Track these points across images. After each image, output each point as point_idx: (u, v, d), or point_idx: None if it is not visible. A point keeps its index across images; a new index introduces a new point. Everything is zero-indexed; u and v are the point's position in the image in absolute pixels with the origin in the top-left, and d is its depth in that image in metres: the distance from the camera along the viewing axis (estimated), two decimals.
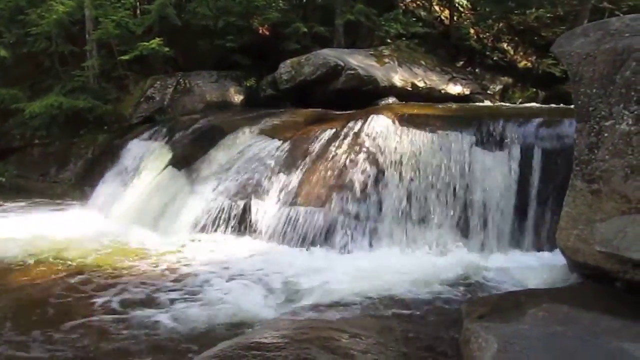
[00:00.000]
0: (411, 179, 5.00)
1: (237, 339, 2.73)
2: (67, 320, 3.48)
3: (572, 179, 3.48)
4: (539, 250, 4.39)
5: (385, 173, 5.10)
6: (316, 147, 5.65)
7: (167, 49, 8.02)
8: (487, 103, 8.52)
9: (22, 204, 7.16)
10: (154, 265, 4.63)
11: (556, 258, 3.84)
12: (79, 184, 7.73)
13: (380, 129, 5.42)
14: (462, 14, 10.63)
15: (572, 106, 3.62)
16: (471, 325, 2.67)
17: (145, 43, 7.96)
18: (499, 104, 8.71)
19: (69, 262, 4.68)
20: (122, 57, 8.27)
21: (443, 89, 8.49)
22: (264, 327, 2.98)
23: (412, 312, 3.36)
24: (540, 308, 2.73)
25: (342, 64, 7.48)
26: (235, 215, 5.43)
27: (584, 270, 3.42)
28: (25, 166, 8.39)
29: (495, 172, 4.77)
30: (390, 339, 2.86)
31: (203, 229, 5.47)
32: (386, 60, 8.13)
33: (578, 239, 3.37)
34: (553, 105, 7.29)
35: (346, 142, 5.48)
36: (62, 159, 8.18)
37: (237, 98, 8.42)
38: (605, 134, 3.29)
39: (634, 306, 2.85)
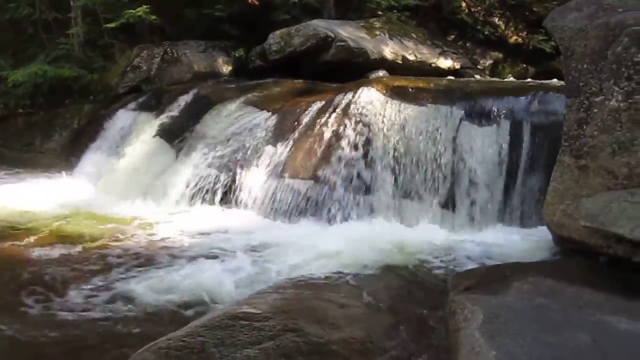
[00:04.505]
0: (400, 153, 4.99)
1: (225, 309, 2.74)
2: (44, 291, 3.48)
3: (560, 154, 3.49)
4: (525, 225, 4.42)
5: (374, 146, 5.08)
6: (305, 119, 5.61)
7: (153, 17, 7.84)
8: (477, 78, 8.48)
9: (6, 174, 7.07)
10: (139, 235, 4.61)
11: (542, 233, 3.88)
12: (65, 154, 7.63)
13: (370, 101, 5.38)
14: None
15: (562, 82, 3.61)
16: (457, 297, 2.70)
17: (131, 11, 7.78)
18: (489, 79, 8.68)
19: (52, 232, 4.65)
20: (108, 25, 8.08)
21: (433, 63, 8.42)
22: (251, 298, 2.99)
23: (398, 284, 3.38)
24: (525, 281, 2.76)
25: (332, 35, 7.38)
26: (223, 187, 5.41)
27: (568, 245, 3.46)
28: (9, 136, 8.24)
29: (483, 147, 4.77)
30: (376, 310, 2.89)
31: (190, 200, 5.45)
32: (377, 32, 8.03)
33: (564, 214, 3.39)
34: (543, 81, 7.28)
35: (335, 114, 5.44)
36: (47, 129, 8.04)
37: (226, 69, 8.30)
38: (595, 110, 3.29)
39: (616, 280, 2.90)
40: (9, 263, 3.98)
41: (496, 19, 10.44)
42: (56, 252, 4.20)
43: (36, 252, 4.17)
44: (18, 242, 4.40)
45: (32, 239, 4.49)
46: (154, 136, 6.41)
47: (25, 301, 3.35)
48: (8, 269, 3.87)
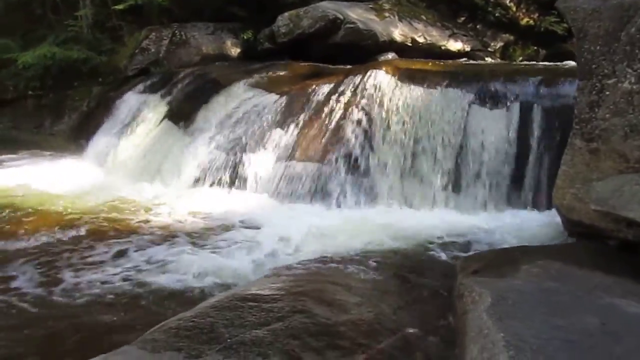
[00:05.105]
0: (408, 136, 4.96)
1: (233, 291, 2.76)
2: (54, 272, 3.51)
3: (571, 137, 3.45)
4: (535, 209, 4.41)
5: (383, 129, 5.06)
6: (313, 102, 5.59)
7: None
8: (488, 60, 8.41)
9: (17, 155, 7.11)
10: (147, 218, 4.64)
11: (552, 217, 3.86)
12: (74, 137, 7.68)
13: (379, 84, 5.34)
14: None
15: (574, 64, 3.56)
16: (465, 280, 2.69)
17: None
18: (500, 61, 8.59)
19: (59, 213, 4.68)
20: (116, 7, 8.08)
21: (443, 45, 8.34)
22: (260, 280, 3.01)
23: (406, 266, 3.39)
24: (534, 264, 2.75)
25: (341, 17, 7.32)
26: (230, 169, 5.41)
27: (578, 228, 3.44)
28: (20, 118, 8.31)
29: (493, 130, 4.74)
30: (384, 292, 2.89)
31: (199, 182, 5.46)
32: (386, 14, 7.95)
33: (574, 197, 3.37)
34: (553, 64, 7.20)
35: (344, 97, 5.41)
36: (56, 111, 8.09)
37: (234, 51, 8.27)
38: (607, 92, 3.25)
39: (625, 264, 2.88)
40: (13, 244, 4.01)
41: (507, 1, 10.29)
42: (61, 233, 4.23)
43: (43, 234, 4.20)
44: (26, 224, 4.43)
45: (39, 220, 4.52)
46: (162, 119, 6.42)
47: (25, 283, 3.38)
48: (11, 249, 3.90)
